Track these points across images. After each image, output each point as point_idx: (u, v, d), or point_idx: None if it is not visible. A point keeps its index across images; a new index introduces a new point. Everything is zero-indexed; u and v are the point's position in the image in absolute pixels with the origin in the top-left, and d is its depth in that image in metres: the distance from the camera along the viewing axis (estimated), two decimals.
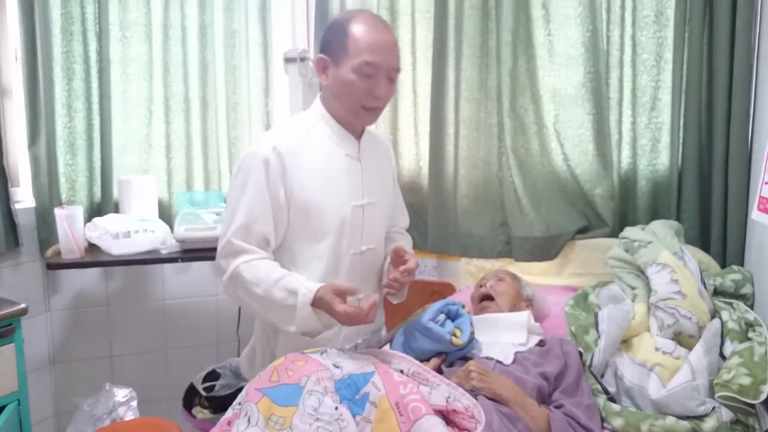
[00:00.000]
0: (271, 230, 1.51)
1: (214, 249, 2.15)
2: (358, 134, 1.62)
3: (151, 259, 2.14)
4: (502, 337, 1.67)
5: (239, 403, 1.25)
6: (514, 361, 1.58)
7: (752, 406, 1.51)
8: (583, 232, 2.34)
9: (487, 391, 1.42)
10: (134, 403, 2.17)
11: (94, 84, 2.36)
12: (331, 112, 1.58)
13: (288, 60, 2.37)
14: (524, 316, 1.74)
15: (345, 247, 1.57)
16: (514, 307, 1.81)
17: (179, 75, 2.46)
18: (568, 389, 1.58)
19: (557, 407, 1.49)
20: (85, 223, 2.20)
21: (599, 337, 1.71)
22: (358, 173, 1.60)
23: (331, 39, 1.52)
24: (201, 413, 2.10)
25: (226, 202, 1.58)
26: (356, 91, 1.51)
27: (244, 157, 1.52)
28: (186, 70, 2.46)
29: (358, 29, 1.49)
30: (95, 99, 2.36)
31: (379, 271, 1.70)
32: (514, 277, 1.96)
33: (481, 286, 1.93)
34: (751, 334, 1.68)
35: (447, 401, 1.23)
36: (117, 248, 2.11)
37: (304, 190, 1.51)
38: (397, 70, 1.57)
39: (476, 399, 1.30)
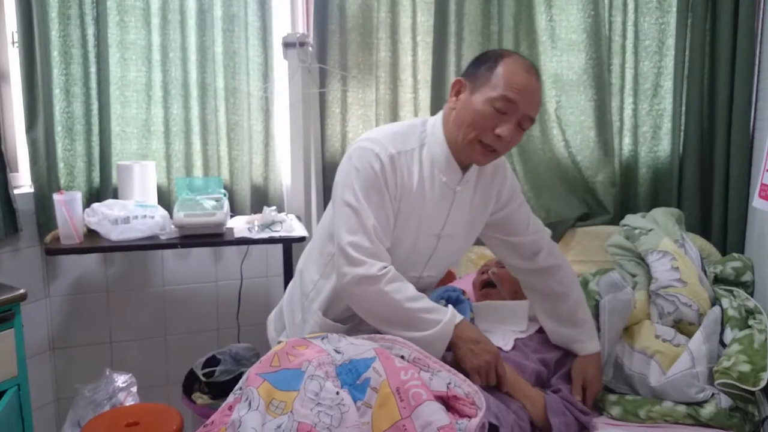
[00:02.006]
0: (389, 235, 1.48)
1: (214, 235, 2.18)
2: (466, 166, 1.53)
3: (151, 245, 2.12)
4: (503, 324, 1.67)
5: (240, 388, 1.25)
6: (513, 348, 1.58)
7: (752, 393, 1.52)
8: (583, 219, 2.34)
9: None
10: (134, 389, 2.18)
11: (93, 68, 2.33)
12: (448, 137, 1.49)
13: (287, 45, 2.35)
14: (525, 304, 1.74)
15: (404, 269, 1.50)
16: (516, 294, 1.81)
17: (178, 60, 2.43)
18: (566, 375, 1.58)
19: (554, 392, 1.50)
20: (84, 208, 2.19)
21: (599, 328, 1.70)
22: (447, 204, 1.53)
23: (478, 67, 1.45)
24: (201, 399, 2.10)
25: (340, 192, 1.46)
26: (481, 123, 1.41)
27: (359, 153, 1.45)
28: (185, 55, 2.44)
29: (508, 64, 1.41)
30: (93, 84, 2.34)
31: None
32: None
33: (483, 273, 1.93)
34: (751, 322, 1.68)
35: (448, 387, 1.22)
36: (116, 234, 2.10)
37: (395, 206, 1.48)
38: (532, 119, 1.46)
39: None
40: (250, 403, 1.14)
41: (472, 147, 1.45)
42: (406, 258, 1.53)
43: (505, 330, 1.64)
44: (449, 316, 1.40)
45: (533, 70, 1.45)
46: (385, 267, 1.41)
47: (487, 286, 1.87)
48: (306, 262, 1.69)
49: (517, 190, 1.67)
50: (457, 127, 1.46)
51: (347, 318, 1.58)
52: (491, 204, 1.62)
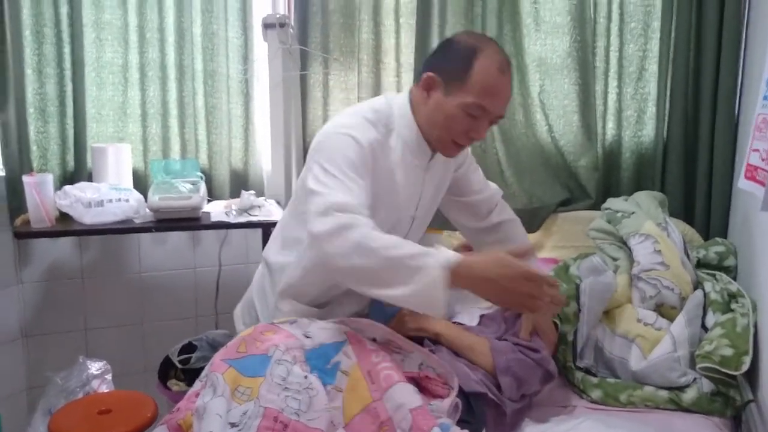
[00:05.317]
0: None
1: (189, 219, 2.14)
2: (434, 147, 1.50)
3: (124, 228, 2.07)
4: (470, 303, 1.66)
5: (206, 375, 1.21)
6: (479, 323, 1.57)
7: (733, 377, 1.49)
8: (565, 204, 2.31)
9: (417, 330, 1.43)
10: (109, 376, 2.13)
11: (66, 49, 2.27)
12: (419, 122, 1.45)
13: (267, 26, 2.29)
14: None
15: None
16: None
17: (155, 41, 2.38)
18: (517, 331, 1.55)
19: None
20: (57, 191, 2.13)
21: (580, 310, 1.68)
22: (419, 185, 1.51)
23: (450, 64, 1.38)
24: (176, 386, 2.06)
25: (317, 169, 1.33)
26: (455, 127, 1.40)
27: (337, 139, 1.35)
28: (162, 36, 2.38)
29: (483, 66, 1.35)
30: (67, 65, 2.28)
31: None
32: None
33: None
34: (733, 306, 1.66)
35: (420, 368, 1.20)
36: (89, 217, 2.05)
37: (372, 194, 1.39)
38: (502, 117, 1.45)
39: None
40: (214, 389, 1.11)
41: (445, 145, 1.45)
42: None
43: (471, 309, 1.63)
44: (440, 257, 1.18)
45: (507, 66, 1.40)
46: (358, 216, 1.25)
47: None
48: (272, 249, 1.63)
49: (469, 151, 1.69)
50: (430, 125, 1.44)
51: (323, 303, 1.55)
52: (451, 173, 1.64)
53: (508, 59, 1.42)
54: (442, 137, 1.43)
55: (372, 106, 1.48)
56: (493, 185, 1.76)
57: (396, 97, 1.51)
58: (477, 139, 1.44)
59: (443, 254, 1.18)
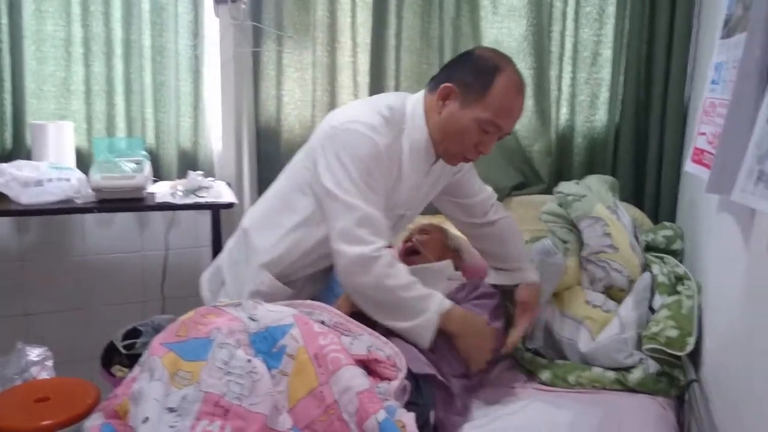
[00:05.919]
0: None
1: (133, 200, 2.06)
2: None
3: (65, 208, 1.98)
4: (430, 285, 1.64)
5: (144, 359, 1.16)
6: None
7: (678, 358, 1.52)
8: (519, 188, 2.32)
9: None
10: (49, 363, 2.04)
11: (4, 20, 2.15)
12: (431, 129, 1.47)
13: (218, 1, 2.23)
14: (442, 264, 1.75)
15: None
16: (441, 259, 1.79)
17: (100, 14, 2.27)
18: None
19: None
20: None
21: None
22: (417, 188, 1.53)
23: (471, 78, 1.40)
24: (120, 372, 1.99)
25: (340, 175, 1.38)
26: (466, 140, 1.43)
27: (356, 137, 1.38)
28: (107, 9, 2.27)
29: (503, 85, 1.39)
30: (5, 36, 2.16)
31: None
32: (440, 230, 1.93)
33: (406, 242, 1.91)
34: (680, 288, 1.69)
35: (369, 351, 1.18)
36: (27, 197, 1.95)
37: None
38: (509, 134, 1.50)
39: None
40: (152, 374, 1.06)
41: (453, 156, 1.48)
42: None
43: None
44: (437, 304, 1.38)
45: (523, 87, 1.45)
46: (380, 248, 1.36)
47: (411, 254, 1.85)
48: (254, 224, 1.60)
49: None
50: (441, 134, 1.46)
51: (291, 282, 1.54)
52: (449, 176, 1.64)
53: (524, 80, 1.45)
54: (450, 148, 1.46)
55: (388, 102, 1.48)
56: (488, 188, 1.76)
57: (410, 97, 1.53)
58: (484, 153, 1.46)
59: (440, 300, 1.39)
